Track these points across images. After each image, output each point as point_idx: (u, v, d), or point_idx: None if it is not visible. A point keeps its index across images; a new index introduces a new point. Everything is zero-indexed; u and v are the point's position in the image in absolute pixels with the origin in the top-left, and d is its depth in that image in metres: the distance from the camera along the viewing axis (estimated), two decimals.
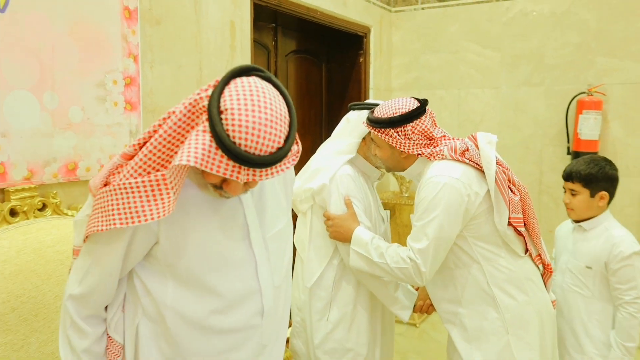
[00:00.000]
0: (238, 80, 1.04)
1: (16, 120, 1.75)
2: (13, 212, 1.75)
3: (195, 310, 1.22)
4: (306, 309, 1.95)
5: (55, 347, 1.68)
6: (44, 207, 1.85)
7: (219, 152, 0.98)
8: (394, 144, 1.77)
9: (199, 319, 1.22)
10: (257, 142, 0.99)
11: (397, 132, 1.75)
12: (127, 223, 1.08)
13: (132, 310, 1.27)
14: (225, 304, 1.24)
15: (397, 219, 3.97)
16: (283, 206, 1.40)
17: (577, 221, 2.09)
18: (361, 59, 4.06)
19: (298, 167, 1.87)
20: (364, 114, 1.90)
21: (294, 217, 1.80)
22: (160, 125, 1.09)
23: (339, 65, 4.14)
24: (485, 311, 1.74)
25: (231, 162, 0.99)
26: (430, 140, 1.77)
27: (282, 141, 1.03)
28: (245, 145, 0.99)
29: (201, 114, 1.02)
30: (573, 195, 2.05)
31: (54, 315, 1.69)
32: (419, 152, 1.76)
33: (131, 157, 1.13)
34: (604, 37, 3.61)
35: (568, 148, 3.74)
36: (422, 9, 4.23)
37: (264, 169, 1.03)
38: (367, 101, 2.06)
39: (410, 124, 1.74)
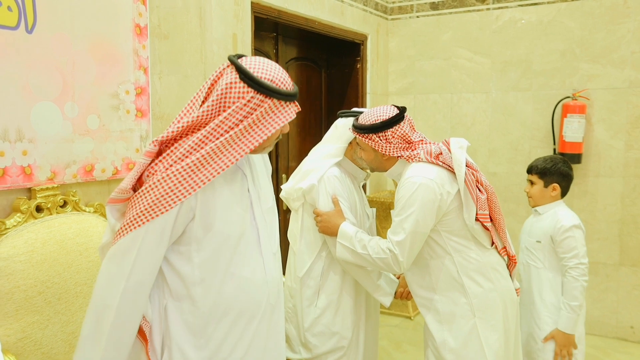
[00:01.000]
0: (243, 59, 1.35)
1: (41, 128, 1.89)
2: (39, 209, 1.90)
3: (219, 282, 1.38)
4: (297, 296, 2.10)
5: (75, 327, 1.85)
6: (65, 204, 1.99)
7: (281, 103, 1.32)
8: (376, 148, 1.93)
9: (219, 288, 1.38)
10: (291, 84, 1.37)
11: (379, 136, 1.92)
12: (194, 190, 1.28)
13: (158, 293, 1.39)
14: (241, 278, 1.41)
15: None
16: (270, 187, 1.58)
17: (534, 207, 2.42)
18: (359, 65, 4.14)
19: (292, 168, 2.03)
20: (351, 121, 2.05)
21: (289, 213, 1.91)
22: (184, 119, 1.33)
23: (338, 71, 4.22)
24: (456, 297, 1.90)
25: (289, 104, 1.35)
26: (408, 143, 1.94)
27: None
28: (289, 87, 1.35)
29: (244, 87, 1.29)
30: (532, 185, 2.40)
31: (74, 299, 1.87)
32: (399, 154, 1.93)
33: (154, 154, 1.31)
34: (588, 44, 3.71)
35: (554, 149, 3.82)
36: (417, 17, 4.31)
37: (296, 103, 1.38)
38: (353, 109, 2.22)
39: (391, 129, 1.90)
